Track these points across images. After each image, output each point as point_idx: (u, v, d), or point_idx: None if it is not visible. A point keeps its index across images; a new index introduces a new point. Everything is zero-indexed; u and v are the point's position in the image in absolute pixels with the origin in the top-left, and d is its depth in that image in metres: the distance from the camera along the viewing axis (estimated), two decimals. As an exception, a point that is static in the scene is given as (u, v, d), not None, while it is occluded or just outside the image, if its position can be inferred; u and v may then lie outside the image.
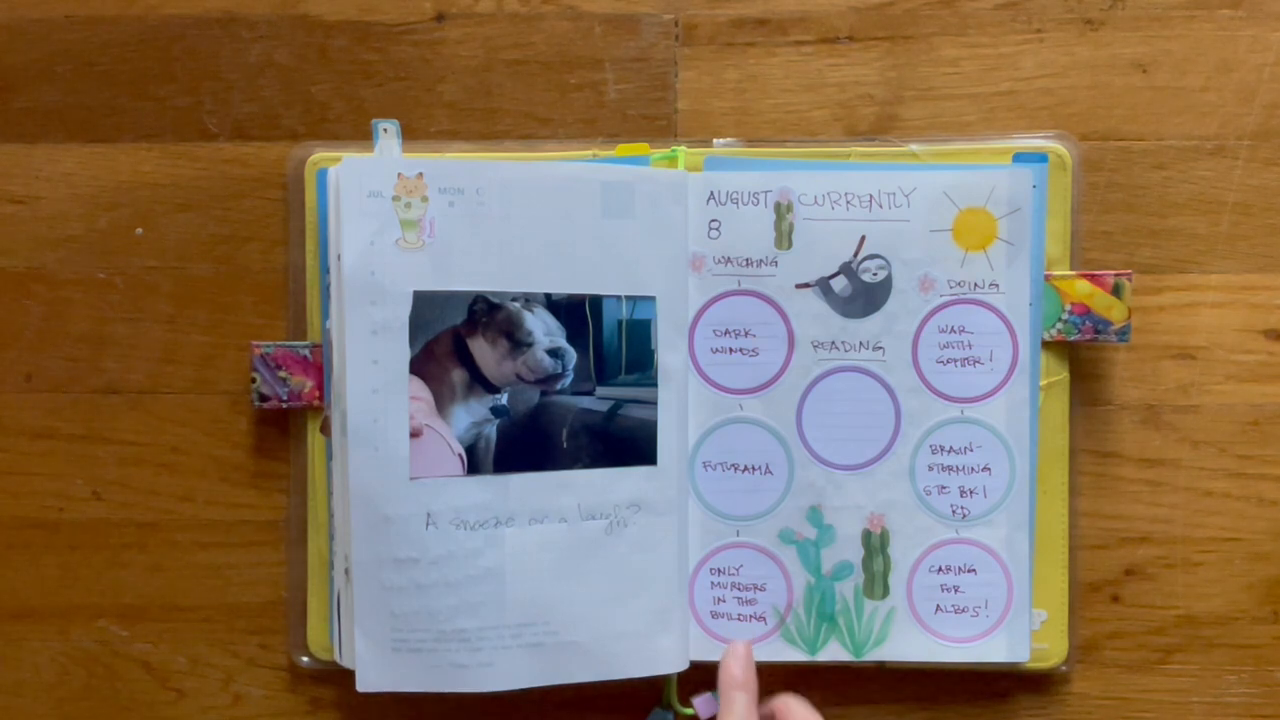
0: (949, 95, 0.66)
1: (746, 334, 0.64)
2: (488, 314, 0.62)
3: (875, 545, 0.64)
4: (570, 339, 0.63)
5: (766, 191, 0.64)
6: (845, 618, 0.65)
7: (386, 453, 0.60)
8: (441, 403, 0.61)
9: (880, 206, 0.64)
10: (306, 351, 0.65)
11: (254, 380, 0.65)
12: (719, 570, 0.65)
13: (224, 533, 0.67)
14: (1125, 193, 0.66)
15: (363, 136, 0.66)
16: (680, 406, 0.64)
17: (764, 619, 0.65)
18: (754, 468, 0.65)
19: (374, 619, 0.61)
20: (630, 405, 0.63)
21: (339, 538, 0.63)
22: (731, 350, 0.64)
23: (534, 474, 0.62)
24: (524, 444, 0.62)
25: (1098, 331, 0.64)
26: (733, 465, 0.65)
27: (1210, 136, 0.66)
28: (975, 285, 0.64)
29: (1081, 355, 0.66)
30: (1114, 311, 0.64)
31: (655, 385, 0.63)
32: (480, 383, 0.62)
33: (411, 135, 0.66)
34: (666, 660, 0.64)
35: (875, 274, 0.64)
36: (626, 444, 0.63)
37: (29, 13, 0.67)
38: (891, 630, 0.65)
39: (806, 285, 0.64)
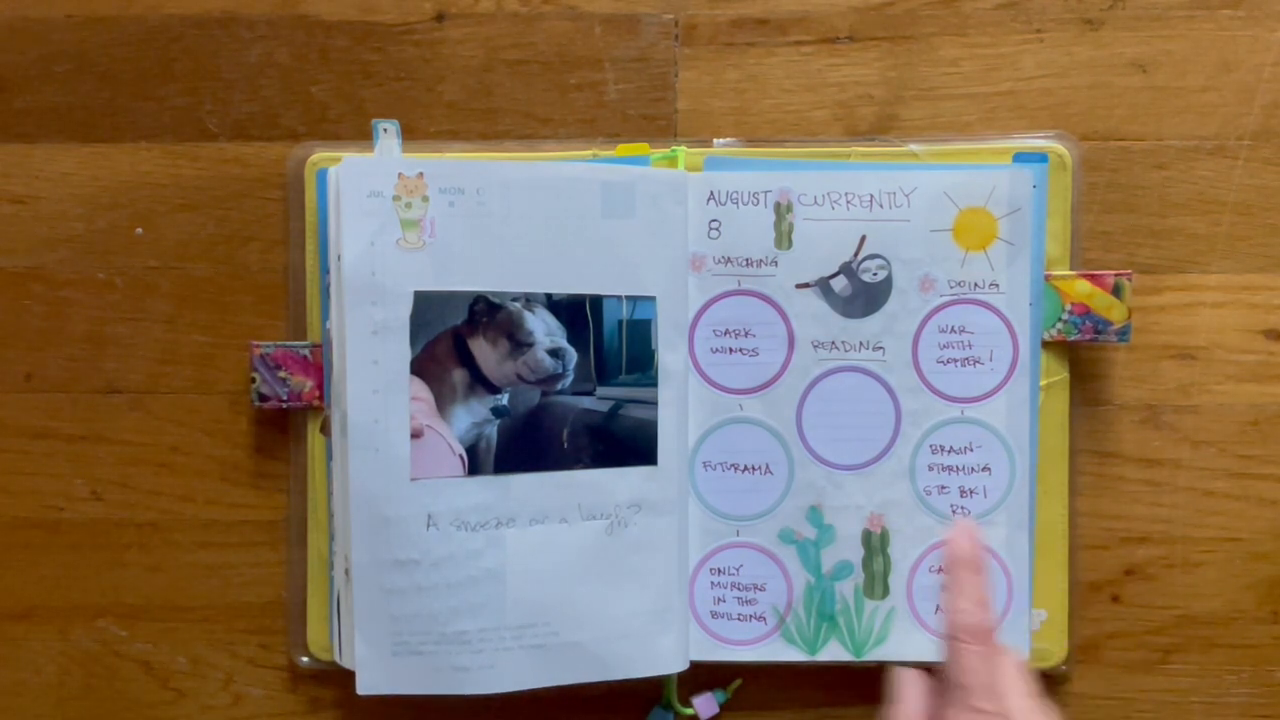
0: (949, 95, 0.66)
1: (746, 334, 0.64)
2: (488, 314, 0.62)
3: (875, 545, 0.65)
4: (571, 339, 0.63)
5: (766, 191, 0.64)
6: (845, 618, 0.65)
7: (387, 453, 0.60)
8: (442, 403, 0.61)
9: (880, 206, 0.64)
10: (306, 351, 0.65)
11: (254, 380, 0.65)
12: (719, 570, 0.65)
13: (224, 533, 0.67)
14: (1125, 193, 0.66)
15: (363, 136, 0.66)
16: (680, 406, 0.64)
17: (764, 619, 0.65)
18: (754, 468, 0.65)
19: (374, 621, 0.61)
20: (630, 405, 0.63)
21: (339, 538, 0.63)
22: (731, 350, 0.64)
23: (535, 474, 0.62)
24: (524, 444, 0.62)
25: (1098, 331, 0.64)
26: (733, 465, 0.65)
27: (1210, 136, 0.66)
28: (975, 285, 0.64)
29: (1081, 355, 0.66)
30: (1114, 311, 0.64)
31: (655, 385, 0.63)
32: (481, 383, 0.62)
33: (411, 135, 0.66)
34: (666, 660, 0.64)
35: (875, 274, 0.64)
36: (627, 444, 0.63)
37: (29, 13, 0.67)
38: (891, 630, 0.65)
39: (806, 285, 0.64)
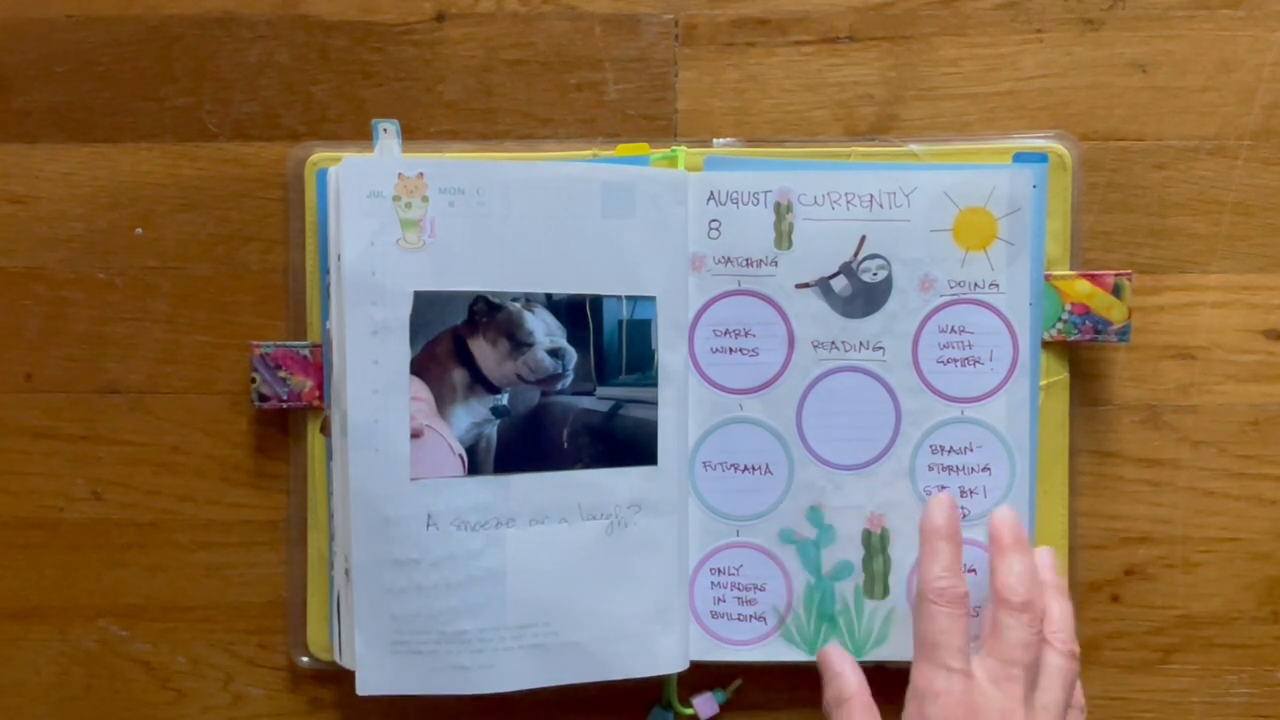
0: (949, 95, 0.66)
1: (746, 334, 0.64)
2: (488, 314, 0.62)
3: (875, 545, 0.65)
4: (571, 339, 0.63)
5: (766, 191, 0.64)
6: (845, 618, 0.65)
7: (387, 453, 0.60)
8: (442, 403, 0.61)
9: (880, 206, 0.64)
10: (306, 351, 0.65)
11: (254, 380, 0.65)
12: (719, 570, 0.65)
13: (224, 533, 0.67)
14: (1125, 193, 0.66)
15: (363, 136, 0.66)
16: (680, 406, 0.64)
17: (764, 619, 0.65)
18: (754, 468, 0.65)
19: (374, 621, 0.61)
20: (630, 405, 0.63)
21: (339, 538, 0.63)
22: (731, 350, 0.64)
23: (535, 474, 0.62)
24: (524, 444, 0.62)
25: (1098, 331, 0.64)
26: (733, 465, 0.65)
27: (1210, 136, 0.66)
28: (975, 285, 0.64)
29: (1081, 355, 0.66)
30: (1114, 311, 0.64)
31: (655, 385, 0.63)
32: (481, 383, 0.62)
33: (411, 135, 0.66)
34: (666, 660, 0.64)
35: (875, 274, 0.64)
36: (626, 444, 0.63)
37: (29, 13, 0.67)
38: (891, 630, 0.65)
39: (806, 285, 0.64)
